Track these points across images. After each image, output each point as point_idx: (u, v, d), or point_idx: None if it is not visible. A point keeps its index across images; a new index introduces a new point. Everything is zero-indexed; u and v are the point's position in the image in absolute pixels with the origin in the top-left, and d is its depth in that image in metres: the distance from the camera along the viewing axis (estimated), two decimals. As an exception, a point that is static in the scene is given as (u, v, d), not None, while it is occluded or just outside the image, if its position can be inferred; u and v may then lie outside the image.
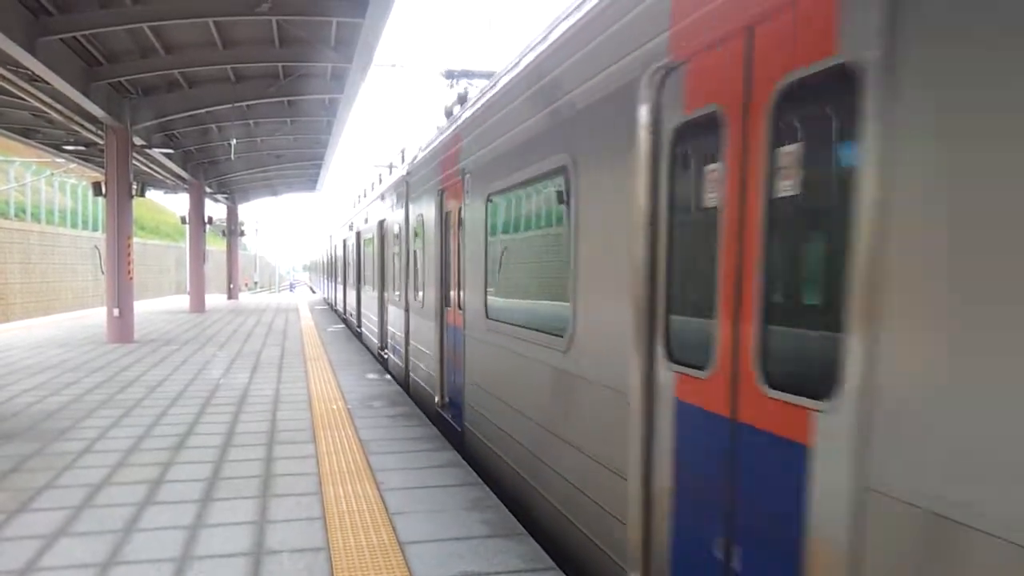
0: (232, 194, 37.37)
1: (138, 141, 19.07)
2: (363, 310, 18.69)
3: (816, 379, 2.56)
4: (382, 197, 14.70)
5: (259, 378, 11.86)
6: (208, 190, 31.67)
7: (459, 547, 4.73)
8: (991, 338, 1.94)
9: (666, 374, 3.56)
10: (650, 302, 3.68)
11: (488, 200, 6.60)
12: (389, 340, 13.64)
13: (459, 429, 8.06)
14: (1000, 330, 1.91)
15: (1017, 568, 1.86)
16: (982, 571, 1.95)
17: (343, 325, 23.05)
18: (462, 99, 10.41)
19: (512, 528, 5.06)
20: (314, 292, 60.73)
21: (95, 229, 41.61)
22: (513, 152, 5.83)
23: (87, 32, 13.46)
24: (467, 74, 12.72)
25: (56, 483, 6.16)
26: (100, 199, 18.27)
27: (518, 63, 5.87)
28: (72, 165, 31.15)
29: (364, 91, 20.90)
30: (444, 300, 8.83)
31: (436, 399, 9.13)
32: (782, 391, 2.74)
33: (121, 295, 17.48)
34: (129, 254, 17.64)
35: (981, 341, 1.96)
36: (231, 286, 39.93)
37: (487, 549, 4.69)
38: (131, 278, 17.80)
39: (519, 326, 5.75)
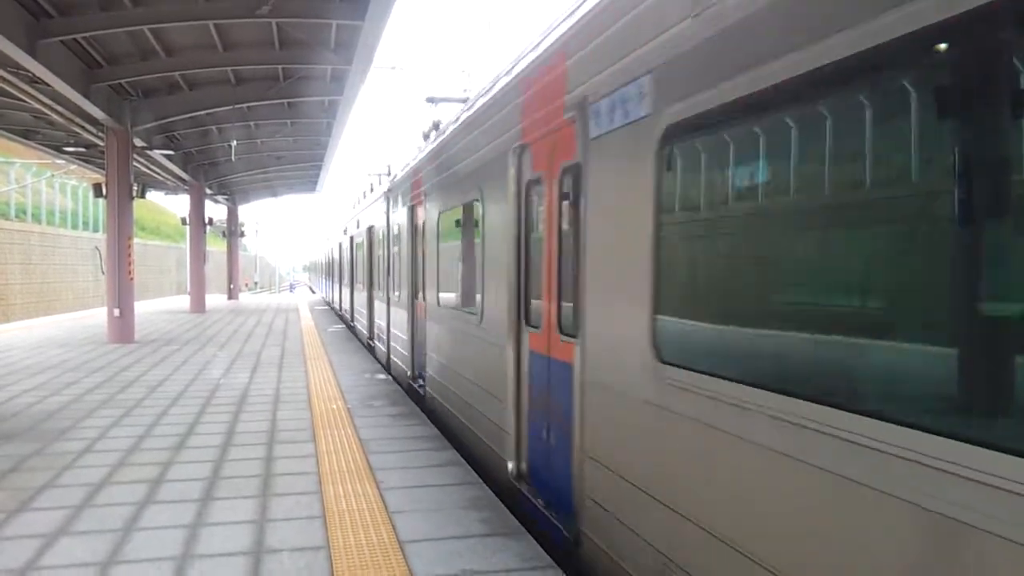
0: (232, 195, 37.41)
1: (138, 143, 19.09)
2: (356, 306, 20.66)
3: (572, 329, 4.66)
4: (370, 206, 17.06)
5: (259, 378, 11.89)
6: (208, 191, 31.72)
7: (458, 545, 4.75)
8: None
9: (524, 334, 5.73)
10: (518, 291, 5.80)
11: (439, 216, 8.87)
12: (376, 331, 15.66)
13: (422, 395, 10.23)
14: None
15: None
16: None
17: (343, 325, 23.08)
18: (436, 125, 12.18)
19: (511, 527, 5.09)
20: (313, 292, 60.78)
21: (96, 230, 41.62)
22: (453, 183, 8.12)
23: (87, 34, 13.50)
24: (447, 99, 14.85)
25: (56, 482, 6.19)
26: (101, 200, 18.31)
27: (457, 119, 8.38)
28: (72, 167, 31.17)
29: (363, 93, 20.93)
30: (413, 294, 10.82)
31: (408, 373, 11.17)
32: (567, 336, 4.81)
33: (122, 295, 17.51)
34: (130, 255, 17.67)
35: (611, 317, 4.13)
36: (231, 287, 39.97)
37: (486, 547, 4.71)
38: (132, 279, 17.83)
39: (455, 309, 8.04)
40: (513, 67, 6.15)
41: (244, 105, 19.30)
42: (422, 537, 4.90)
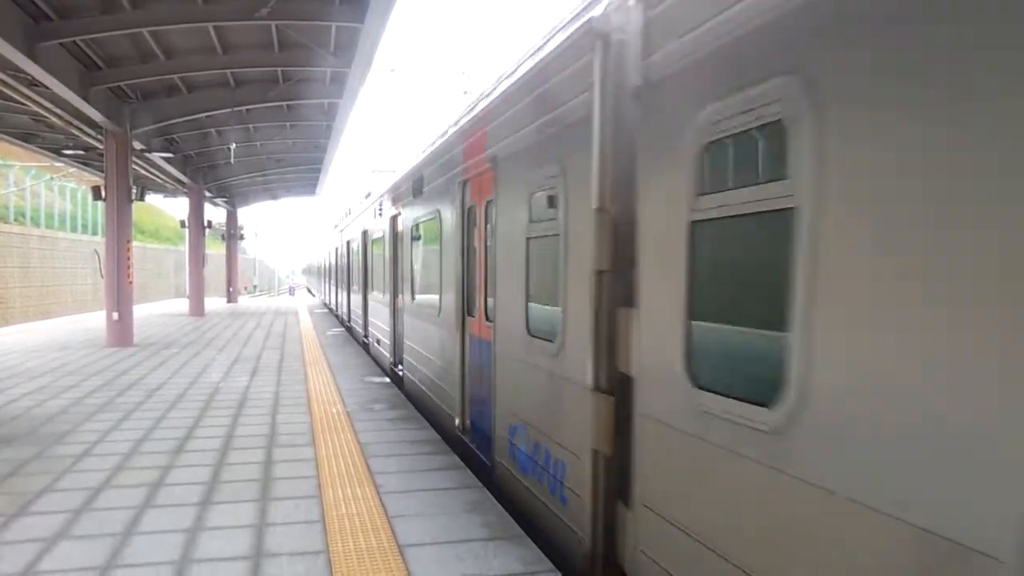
0: (231, 198, 37.39)
1: (137, 145, 19.08)
2: (351, 306, 22.08)
3: (493, 315, 6.37)
4: (362, 214, 19.13)
5: (258, 381, 11.86)
6: (208, 194, 31.68)
7: (458, 550, 4.74)
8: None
9: (466, 321, 7.52)
10: (462, 290, 7.59)
11: (411, 228, 10.82)
12: (370, 328, 17.32)
13: (400, 376, 12.14)
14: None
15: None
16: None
17: (342, 328, 23.06)
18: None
19: (512, 531, 5.07)
20: (313, 295, 60.79)
21: (95, 233, 41.57)
22: (421, 203, 10.05)
23: (87, 37, 13.49)
24: (384, 170, 16.98)
25: (55, 486, 6.17)
26: (100, 203, 18.29)
27: (426, 150, 10.24)
28: (71, 169, 31.14)
29: (363, 95, 20.97)
30: (394, 293, 12.80)
31: (389, 359, 12.96)
32: (488, 321, 6.52)
33: (121, 299, 17.48)
34: (129, 258, 17.65)
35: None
36: (230, 290, 39.94)
37: (487, 552, 4.70)
38: (131, 282, 17.81)
39: (424, 306, 9.74)
40: (459, 121, 8.32)
41: (243, 108, 19.28)
42: (422, 541, 4.89)
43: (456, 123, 8.24)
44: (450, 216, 8.05)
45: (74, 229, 41.05)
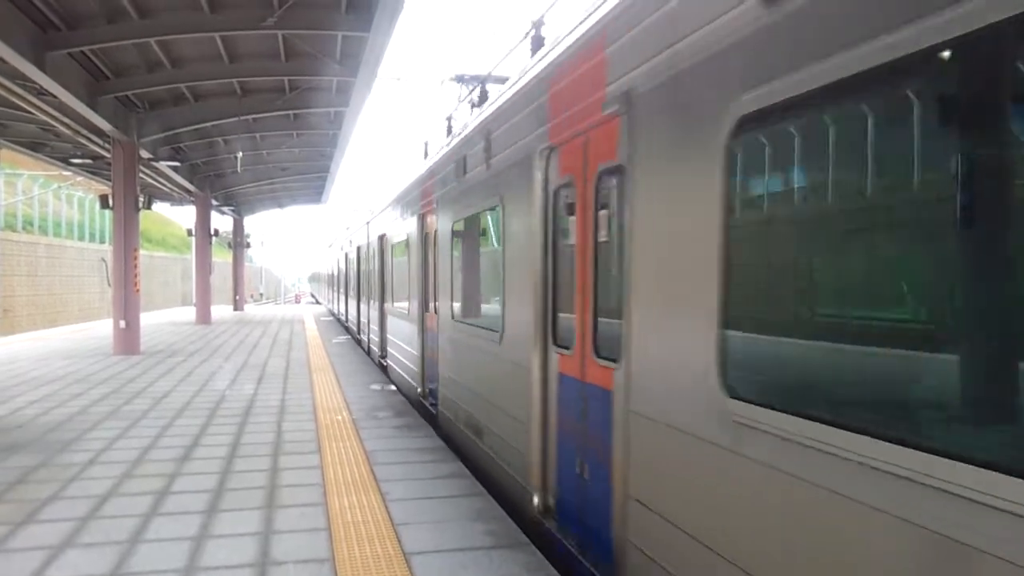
0: (238, 206, 37.52)
1: (145, 154, 19.18)
2: (362, 319, 22.71)
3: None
4: (359, 229, 20.44)
5: (264, 389, 11.88)
6: (214, 202, 31.80)
7: (463, 558, 4.73)
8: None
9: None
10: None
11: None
12: (368, 331, 18.56)
13: (384, 367, 14.15)
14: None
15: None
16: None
17: (348, 336, 23.08)
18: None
19: (516, 538, 5.06)
20: (318, 303, 60.93)
21: (102, 241, 41.76)
22: (393, 224, 11.79)
23: (94, 46, 13.58)
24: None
25: (62, 494, 6.18)
26: (107, 211, 18.37)
27: (403, 183, 12.10)
28: (79, 178, 31.32)
29: (368, 103, 21.02)
30: (381, 299, 14.68)
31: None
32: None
33: (127, 307, 17.54)
34: (136, 266, 17.71)
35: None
36: (237, 298, 40.04)
37: (491, 560, 4.69)
38: (138, 290, 17.86)
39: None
40: (419, 172, 9.72)
41: (250, 116, 19.38)
42: (428, 549, 4.88)
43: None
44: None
45: (81, 237, 41.23)
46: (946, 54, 2.05)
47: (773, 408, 2.72)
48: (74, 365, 15.24)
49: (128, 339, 17.51)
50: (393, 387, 12.10)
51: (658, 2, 3.58)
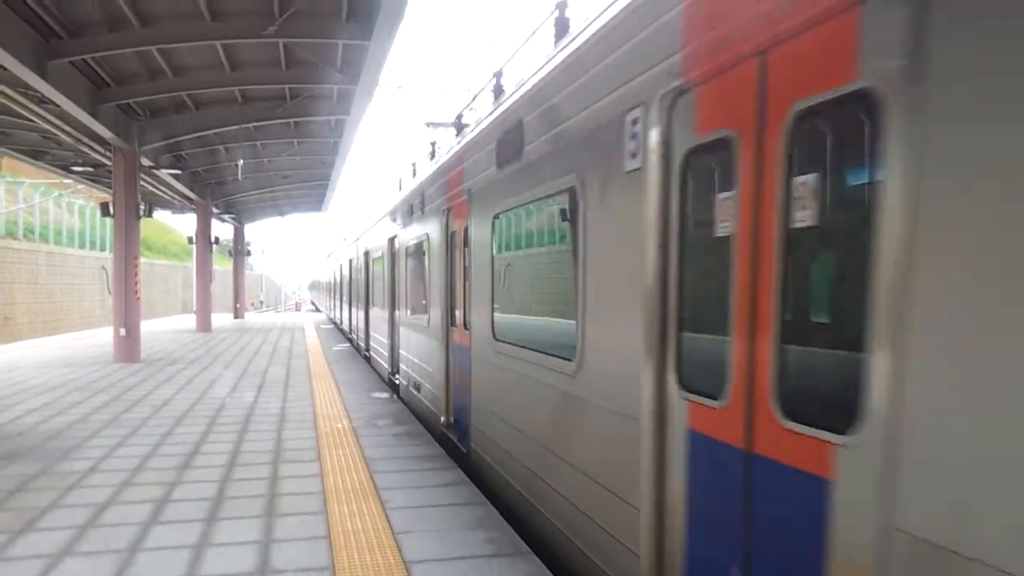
0: (239, 214, 37.56)
1: (146, 162, 19.20)
2: (346, 316, 23.88)
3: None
4: (354, 242, 21.13)
5: (265, 397, 11.86)
6: (215, 210, 31.84)
7: (464, 566, 4.71)
8: None
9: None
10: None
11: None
12: (369, 338, 18.61)
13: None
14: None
15: None
16: None
17: (348, 344, 23.07)
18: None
19: (516, 547, 5.04)
20: (318, 311, 60.97)
21: (103, 249, 41.79)
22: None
23: (96, 55, 13.62)
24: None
25: (61, 503, 6.17)
26: (108, 219, 18.40)
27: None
28: (80, 186, 31.36)
29: (369, 112, 21.09)
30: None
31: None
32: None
33: (128, 315, 17.53)
34: (136, 274, 17.72)
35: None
36: (237, 306, 40.04)
37: (492, 568, 4.67)
38: (138, 298, 17.87)
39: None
40: (444, 158, 9.05)
41: (251, 124, 19.40)
42: (428, 558, 4.86)
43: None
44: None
45: (82, 245, 41.26)
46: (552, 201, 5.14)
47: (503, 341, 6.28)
48: (74, 373, 15.23)
49: (128, 347, 17.49)
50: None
51: (483, 145, 6.71)
